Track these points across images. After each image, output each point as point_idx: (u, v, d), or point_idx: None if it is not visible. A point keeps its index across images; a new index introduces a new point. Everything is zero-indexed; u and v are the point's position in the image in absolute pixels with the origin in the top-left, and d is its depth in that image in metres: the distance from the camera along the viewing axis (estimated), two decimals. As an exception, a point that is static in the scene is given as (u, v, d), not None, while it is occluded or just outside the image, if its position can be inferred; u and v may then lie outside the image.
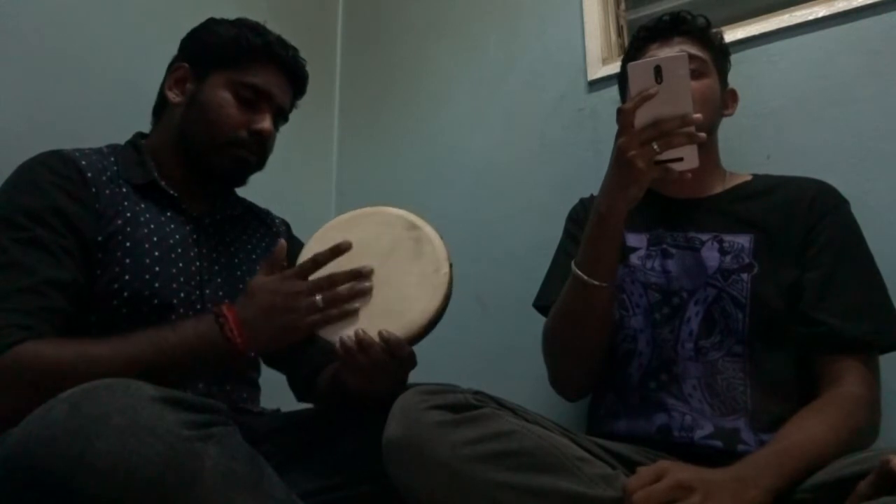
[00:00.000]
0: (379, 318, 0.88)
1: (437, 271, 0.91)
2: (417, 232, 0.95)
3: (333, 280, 0.89)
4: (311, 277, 0.90)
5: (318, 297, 0.87)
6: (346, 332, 0.87)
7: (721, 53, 1.13)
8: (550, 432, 0.83)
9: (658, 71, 0.90)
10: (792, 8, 1.35)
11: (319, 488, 0.91)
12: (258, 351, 0.92)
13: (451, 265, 0.93)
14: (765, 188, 1.09)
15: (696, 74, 1.05)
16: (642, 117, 0.90)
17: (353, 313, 0.89)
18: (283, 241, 0.94)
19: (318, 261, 0.90)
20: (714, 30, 1.13)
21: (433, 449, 0.78)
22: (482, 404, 0.83)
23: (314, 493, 0.89)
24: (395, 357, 0.87)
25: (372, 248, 0.93)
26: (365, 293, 0.88)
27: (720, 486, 0.75)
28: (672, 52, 1.06)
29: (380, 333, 0.86)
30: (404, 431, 0.80)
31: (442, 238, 0.95)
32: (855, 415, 0.88)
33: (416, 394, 0.83)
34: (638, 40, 1.14)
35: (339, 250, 0.91)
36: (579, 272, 0.98)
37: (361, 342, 0.86)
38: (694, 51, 1.08)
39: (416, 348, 0.91)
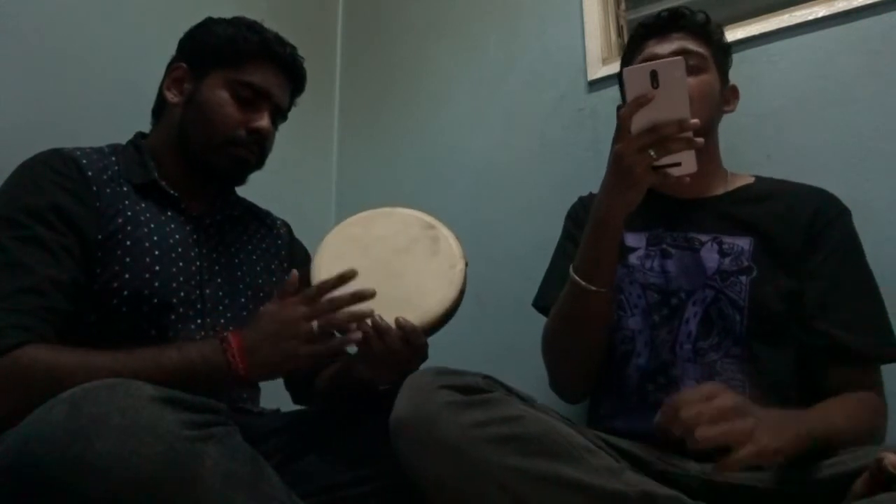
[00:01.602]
0: (396, 308, 0.89)
1: (452, 267, 0.95)
2: (435, 231, 0.99)
3: (333, 304, 0.88)
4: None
5: (315, 324, 0.87)
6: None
7: (721, 49, 1.12)
8: (557, 421, 0.84)
9: (654, 76, 0.88)
10: (792, 8, 1.35)
11: (320, 488, 0.91)
12: (259, 377, 0.92)
13: (466, 263, 0.96)
14: (767, 193, 1.08)
15: (694, 70, 1.05)
16: (639, 123, 0.89)
17: (371, 302, 0.90)
18: (295, 272, 0.93)
19: (323, 288, 0.90)
20: (714, 25, 1.11)
21: (442, 428, 0.78)
22: (492, 389, 0.84)
23: (314, 493, 0.89)
24: (410, 344, 0.88)
25: (390, 243, 0.97)
26: (365, 316, 0.88)
27: (766, 418, 0.76)
28: (671, 49, 1.06)
29: (396, 320, 0.88)
30: (414, 410, 0.81)
31: (458, 238, 0.99)
32: (865, 410, 0.90)
33: (427, 374, 0.84)
34: (636, 37, 1.13)
35: (344, 278, 0.90)
36: (577, 278, 0.98)
37: (378, 327, 0.87)
38: (693, 46, 1.07)
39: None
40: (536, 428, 0.79)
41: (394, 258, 0.95)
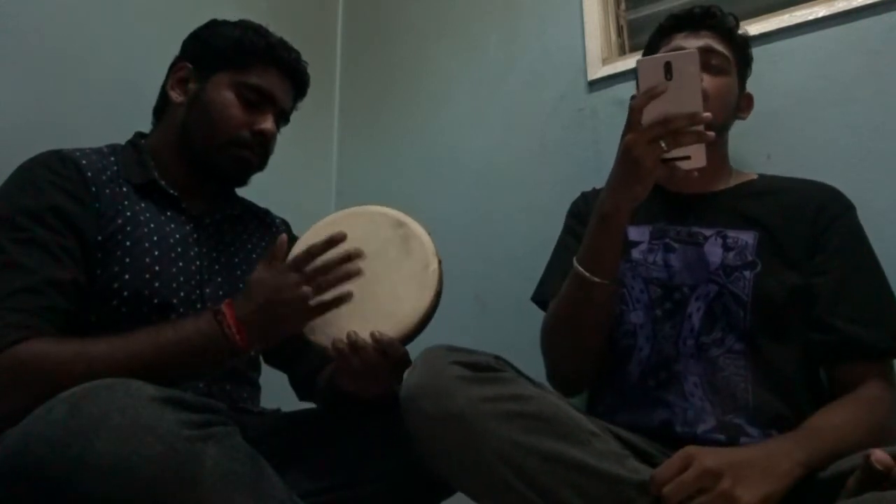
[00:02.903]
0: (370, 319, 0.88)
1: (426, 268, 0.92)
2: (404, 229, 0.95)
3: (324, 268, 0.87)
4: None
5: (307, 288, 0.86)
6: (338, 335, 0.87)
7: (744, 56, 1.13)
8: (566, 404, 0.84)
9: (668, 68, 0.88)
10: (792, 8, 1.35)
11: (319, 488, 0.91)
12: (257, 346, 0.92)
13: (439, 261, 0.93)
14: (771, 189, 1.08)
15: (716, 70, 1.06)
16: (650, 114, 0.89)
17: (345, 315, 0.89)
18: (283, 236, 0.92)
19: (312, 252, 0.88)
20: (741, 32, 1.12)
21: (451, 398, 0.79)
22: (503, 369, 0.85)
23: (314, 493, 0.89)
24: (388, 357, 0.87)
25: (360, 248, 0.93)
26: (357, 273, 0.87)
27: (749, 465, 0.75)
28: (698, 45, 1.06)
29: (371, 334, 0.86)
30: (425, 381, 0.82)
31: (430, 233, 0.95)
32: (877, 411, 0.89)
33: (440, 349, 0.85)
34: (665, 28, 1.13)
35: (333, 241, 0.89)
36: (581, 269, 0.98)
37: (354, 344, 0.86)
38: (719, 47, 1.08)
39: (415, 347, 0.91)
40: (545, 408, 0.80)
41: (365, 265, 0.92)
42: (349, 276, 0.87)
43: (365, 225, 0.95)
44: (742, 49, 1.12)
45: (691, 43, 1.07)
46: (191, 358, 0.84)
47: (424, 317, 0.90)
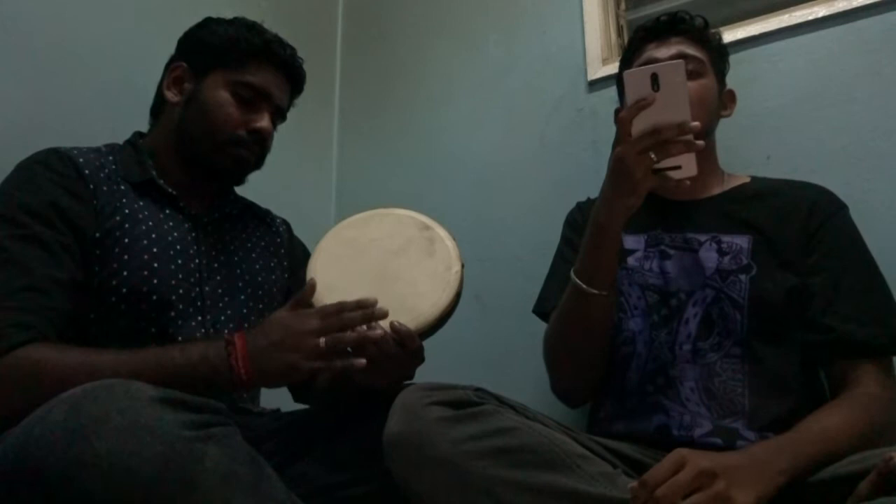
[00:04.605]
0: (391, 311, 0.88)
1: (448, 269, 0.94)
2: (430, 232, 0.98)
3: (344, 324, 0.86)
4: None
5: (322, 341, 0.85)
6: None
7: (719, 54, 1.13)
8: (551, 430, 0.83)
9: (655, 79, 0.89)
10: (792, 8, 1.35)
11: (319, 488, 0.91)
12: (261, 384, 0.92)
13: (462, 265, 0.95)
14: (764, 191, 1.09)
15: (693, 74, 1.05)
16: (639, 125, 0.89)
17: None
18: (313, 279, 0.92)
19: (342, 307, 0.87)
20: (712, 30, 1.13)
21: (434, 445, 0.78)
22: (483, 401, 0.84)
23: (314, 493, 0.89)
24: (405, 349, 0.88)
25: (385, 245, 0.96)
26: (375, 340, 0.86)
27: (740, 469, 0.76)
28: (670, 53, 1.07)
29: (391, 324, 0.87)
30: (405, 427, 0.80)
31: (454, 239, 0.98)
32: (872, 411, 0.89)
33: (417, 390, 0.84)
34: (635, 41, 1.14)
35: (365, 305, 0.88)
36: (578, 281, 0.98)
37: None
38: (691, 51, 1.08)
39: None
40: (530, 439, 0.79)
41: (389, 260, 0.95)
42: (367, 342, 0.86)
43: (392, 224, 0.99)
44: (715, 48, 1.13)
45: (662, 52, 1.08)
46: (192, 383, 0.82)
47: (443, 314, 0.91)
